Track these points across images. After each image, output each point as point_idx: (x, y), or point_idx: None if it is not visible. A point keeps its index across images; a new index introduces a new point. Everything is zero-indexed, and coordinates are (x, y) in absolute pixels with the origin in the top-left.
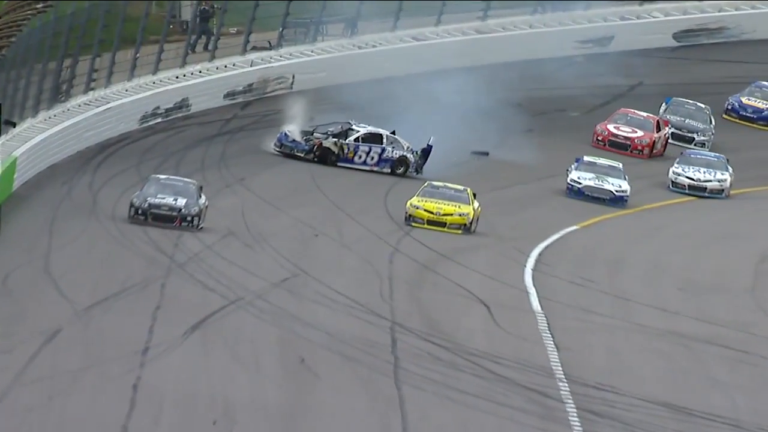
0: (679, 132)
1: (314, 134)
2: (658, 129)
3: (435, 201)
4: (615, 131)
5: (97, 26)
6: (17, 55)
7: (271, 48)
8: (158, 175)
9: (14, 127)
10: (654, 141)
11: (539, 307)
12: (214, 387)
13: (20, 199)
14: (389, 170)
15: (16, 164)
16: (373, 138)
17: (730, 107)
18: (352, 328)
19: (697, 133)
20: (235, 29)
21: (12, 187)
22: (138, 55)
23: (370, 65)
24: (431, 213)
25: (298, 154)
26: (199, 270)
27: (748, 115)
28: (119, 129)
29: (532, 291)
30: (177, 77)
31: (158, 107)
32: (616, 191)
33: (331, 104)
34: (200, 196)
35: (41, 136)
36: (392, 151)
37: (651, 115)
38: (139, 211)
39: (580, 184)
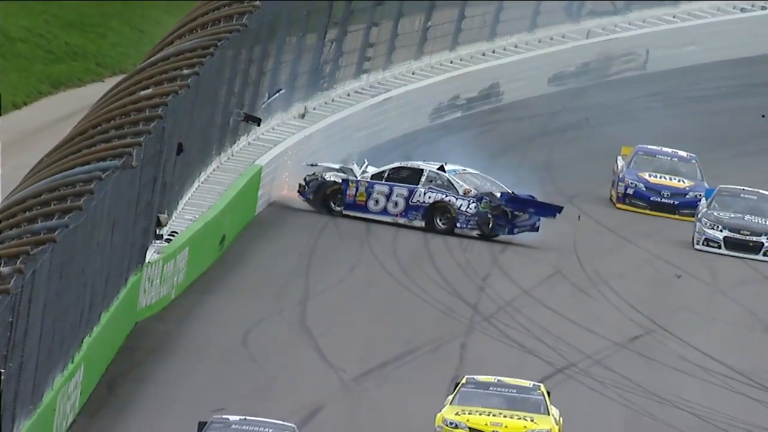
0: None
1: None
2: None
3: (486, 411)
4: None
5: None
6: (263, 24)
7: (615, 12)
8: (227, 417)
9: (258, 125)
10: None
11: None
12: None
13: (266, 224)
14: (424, 224)
15: (261, 176)
16: (408, 175)
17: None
18: (732, 408)
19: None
20: None
21: (255, 208)
22: (429, 23)
23: (762, 35)
24: None
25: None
26: (512, 324)
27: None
28: (402, 127)
29: None
30: (484, 54)
31: (457, 96)
32: None
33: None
34: None
35: (295, 138)
36: (424, 194)
37: None
38: None
39: None
